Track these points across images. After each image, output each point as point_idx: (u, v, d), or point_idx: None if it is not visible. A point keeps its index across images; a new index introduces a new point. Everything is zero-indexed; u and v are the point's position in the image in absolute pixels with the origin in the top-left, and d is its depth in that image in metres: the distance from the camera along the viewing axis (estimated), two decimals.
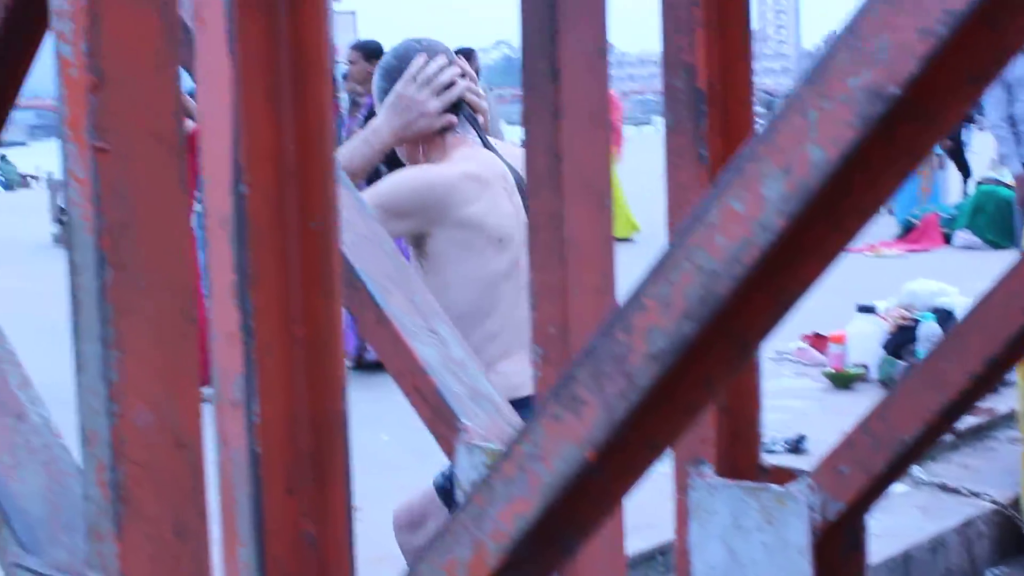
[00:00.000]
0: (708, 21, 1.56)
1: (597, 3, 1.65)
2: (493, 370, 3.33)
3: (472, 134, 3.51)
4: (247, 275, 1.19)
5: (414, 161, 3.42)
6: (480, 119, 3.53)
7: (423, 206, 3.31)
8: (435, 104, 3.33)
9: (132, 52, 1.31)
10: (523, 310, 3.20)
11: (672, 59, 1.57)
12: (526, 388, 3.04)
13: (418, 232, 3.35)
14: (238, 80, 1.18)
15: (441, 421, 1.83)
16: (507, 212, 3.41)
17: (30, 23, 2.42)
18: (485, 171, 3.40)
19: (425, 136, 3.39)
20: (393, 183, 3.34)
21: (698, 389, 0.98)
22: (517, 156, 3.52)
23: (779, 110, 0.87)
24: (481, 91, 3.55)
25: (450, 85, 3.37)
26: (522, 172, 3.20)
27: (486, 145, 3.52)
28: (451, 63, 3.40)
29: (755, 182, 0.87)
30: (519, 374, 3.28)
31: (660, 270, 0.92)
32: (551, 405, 0.99)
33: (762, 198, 0.86)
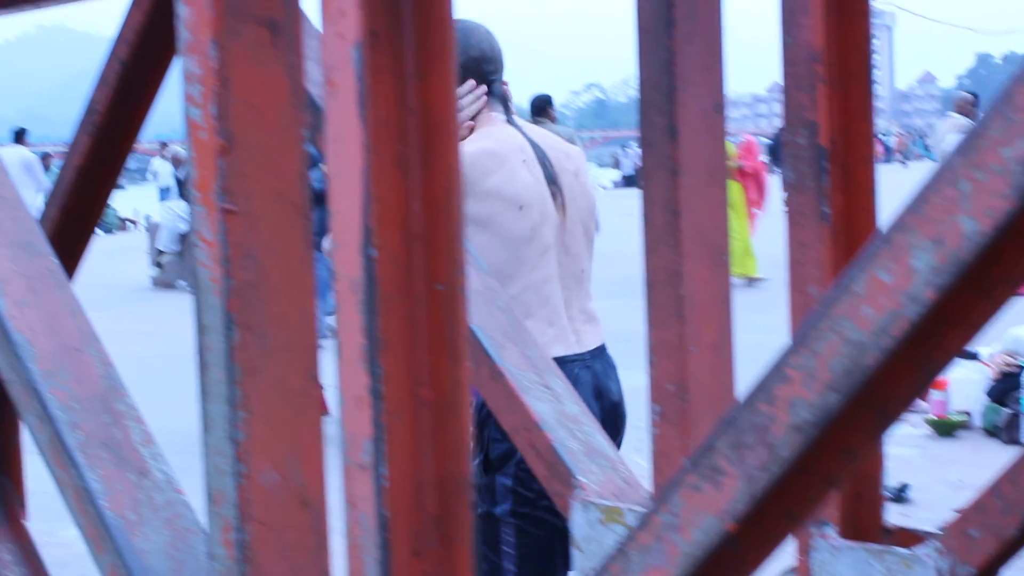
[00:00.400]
0: (830, 77, 1.55)
1: (714, 60, 1.64)
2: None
3: (498, 112, 3.63)
4: (376, 339, 1.19)
5: None
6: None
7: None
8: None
9: (260, 114, 1.32)
10: (542, 272, 3.48)
11: (793, 116, 1.56)
12: (548, 350, 3.18)
13: None
14: (368, 145, 1.18)
15: (556, 478, 1.82)
16: (526, 181, 3.50)
17: (152, 68, 2.47)
18: (501, 146, 3.49)
19: None
20: None
21: (838, 459, 0.97)
22: (545, 136, 3.70)
23: (928, 180, 0.86)
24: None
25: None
26: (548, 151, 3.53)
27: (511, 123, 3.64)
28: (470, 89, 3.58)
29: (904, 253, 0.85)
30: (540, 334, 3.39)
31: (804, 341, 0.91)
32: (690, 475, 0.98)
33: (911, 269, 0.85)
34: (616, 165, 46.60)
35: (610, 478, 1.84)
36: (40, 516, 3.01)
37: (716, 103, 1.64)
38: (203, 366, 1.33)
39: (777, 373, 0.92)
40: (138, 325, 13.26)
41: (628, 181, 43.16)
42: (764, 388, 0.93)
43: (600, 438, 1.88)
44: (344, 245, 1.20)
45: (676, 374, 1.64)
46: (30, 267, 1.68)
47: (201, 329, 1.32)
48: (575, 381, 3.41)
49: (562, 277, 3.58)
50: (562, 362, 3.41)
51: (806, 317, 0.91)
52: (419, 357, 1.23)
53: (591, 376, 3.54)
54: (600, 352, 3.61)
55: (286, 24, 1.35)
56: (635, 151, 46.09)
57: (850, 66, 1.57)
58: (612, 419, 3.55)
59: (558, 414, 1.86)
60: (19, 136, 20.65)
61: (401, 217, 1.21)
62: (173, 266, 18.37)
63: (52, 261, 1.71)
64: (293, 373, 1.35)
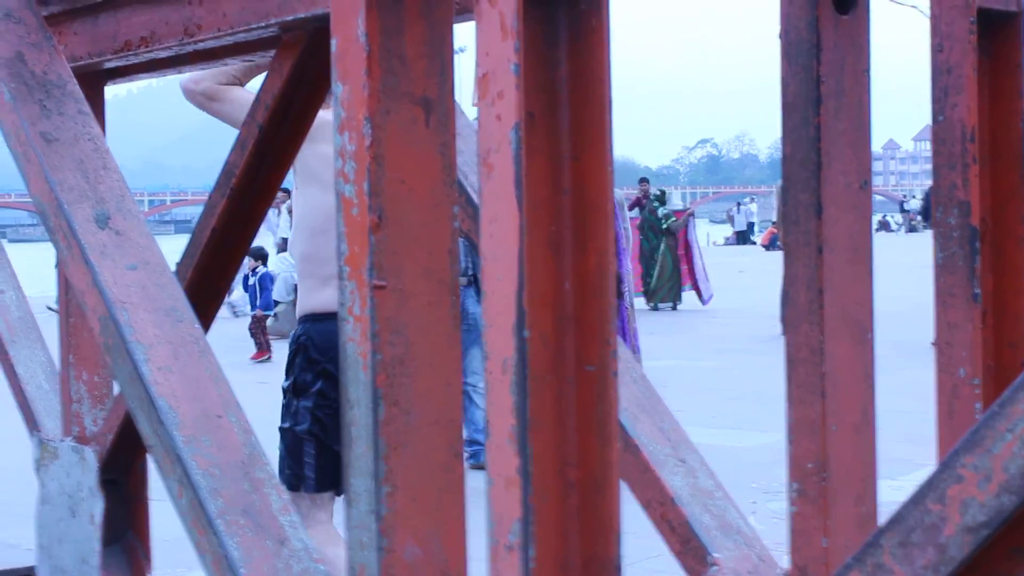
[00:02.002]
0: (982, 157, 1.52)
1: (861, 136, 1.63)
2: (333, 283, 3.74)
3: None
4: (527, 420, 1.19)
5: None
6: None
7: None
8: None
9: (411, 191, 1.33)
10: None
11: (945, 196, 1.53)
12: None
13: None
14: (524, 226, 1.18)
15: (690, 554, 1.80)
16: None
17: (289, 132, 2.50)
18: None
19: None
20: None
21: (1009, 560, 0.94)
22: None
23: None
24: None
25: None
26: None
27: None
28: None
29: None
30: None
31: (977, 440, 0.89)
32: (853, 571, 0.96)
33: None
34: (729, 221, 46.38)
35: (745, 555, 1.81)
36: (164, 563, 3.04)
37: (863, 180, 1.63)
38: (349, 440, 1.33)
39: (948, 471, 0.90)
40: (252, 375, 13.43)
41: (740, 237, 42.91)
42: (935, 486, 0.91)
43: (734, 512, 1.86)
44: (497, 325, 1.20)
45: (817, 452, 1.62)
46: (174, 333, 1.70)
47: (348, 403, 1.33)
48: None
49: None
50: None
51: (982, 417, 0.89)
52: (568, 438, 1.22)
53: None
54: None
55: (439, 103, 1.36)
56: (748, 208, 45.84)
57: (1002, 145, 1.55)
58: None
59: (692, 488, 1.84)
60: None
61: (553, 298, 1.21)
62: (287, 316, 18.56)
63: (195, 327, 1.73)
64: (437, 448, 1.35)
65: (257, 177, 2.54)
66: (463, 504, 1.36)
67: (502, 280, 1.20)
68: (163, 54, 2.65)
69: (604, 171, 1.23)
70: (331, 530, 4.16)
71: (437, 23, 1.37)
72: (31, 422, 3.21)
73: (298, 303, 4.34)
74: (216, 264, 2.60)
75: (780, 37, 1.68)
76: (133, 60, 2.72)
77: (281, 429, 4.18)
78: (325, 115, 3.82)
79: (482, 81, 1.23)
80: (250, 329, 14.05)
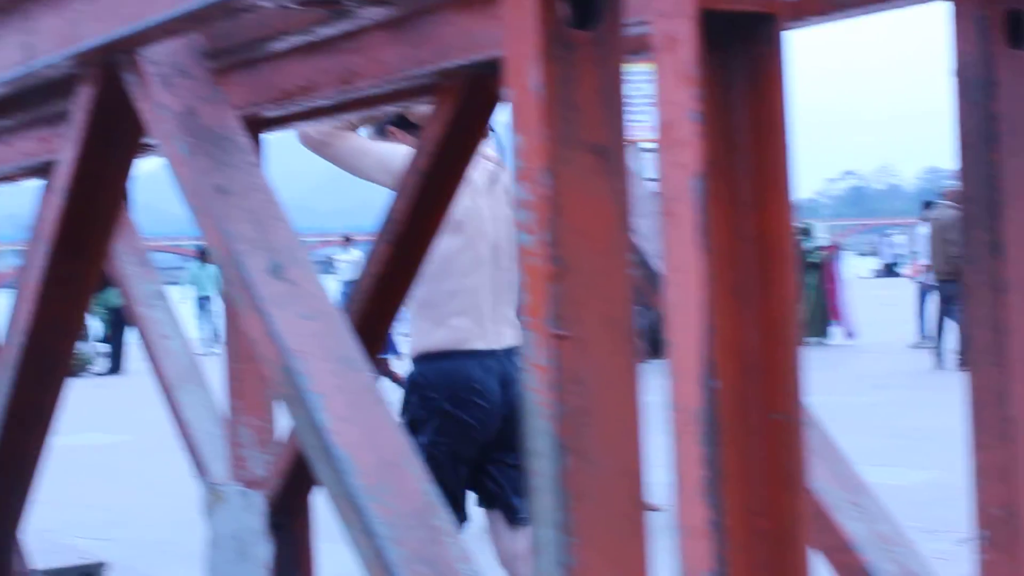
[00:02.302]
0: None
1: None
2: (446, 324, 4.32)
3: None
4: (716, 471, 1.17)
5: None
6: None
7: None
8: None
9: (590, 239, 1.33)
10: (473, 280, 4.32)
11: None
12: (469, 343, 4.29)
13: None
14: (708, 275, 1.17)
15: None
16: (467, 205, 4.17)
17: (449, 178, 2.52)
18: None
19: None
20: (402, 152, 3.99)
21: None
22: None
23: None
24: None
25: None
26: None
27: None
28: None
29: None
30: (465, 330, 4.33)
31: None
32: None
33: None
34: (875, 254, 45.65)
35: None
36: None
37: None
38: (533, 491, 1.33)
39: None
40: None
41: (887, 270, 42.24)
42: None
43: (916, 558, 1.82)
44: (682, 376, 1.19)
45: (1005, 498, 1.58)
46: (350, 382, 1.72)
47: (531, 454, 1.33)
48: (485, 370, 4.29)
49: (492, 286, 4.36)
50: (476, 355, 4.29)
51: None
52: (756, 488, 1.21)
53: (499, 368, 4.32)
54: (512, 351, 4.34)
55: (613, 150, 1.36)
56: (894, 240, 45.10)
57: None
58: (512, 408, 4.23)
59: (871, 534, 1.81)
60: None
61: (739, 347, 1.20)
62: None
63: (370, 376, 1.75)
64: (621, 498, 1.34)
65: (418, 223, 2.57)
66: (647, 554, 1.35)
67: (687, 330, 1.19)
68: (321, 103, 2.70)
69: (785, 217, 1.22)
70: None
71: (609, 70, 1.37)
72: (199, 466, 3.27)
73: (412, 344, 4.46)
74: (379, 309, 2.63)
75: (953, 75, 1.65)
76: (292, 109, 2.77)
77: None
78: None
79: (661, 129, 1.22)
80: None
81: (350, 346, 1.77)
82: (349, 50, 2.50)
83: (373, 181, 4.24)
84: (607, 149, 1.35)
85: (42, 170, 3.80)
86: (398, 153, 4.10)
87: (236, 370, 3.04)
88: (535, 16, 1.32)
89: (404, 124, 4.29)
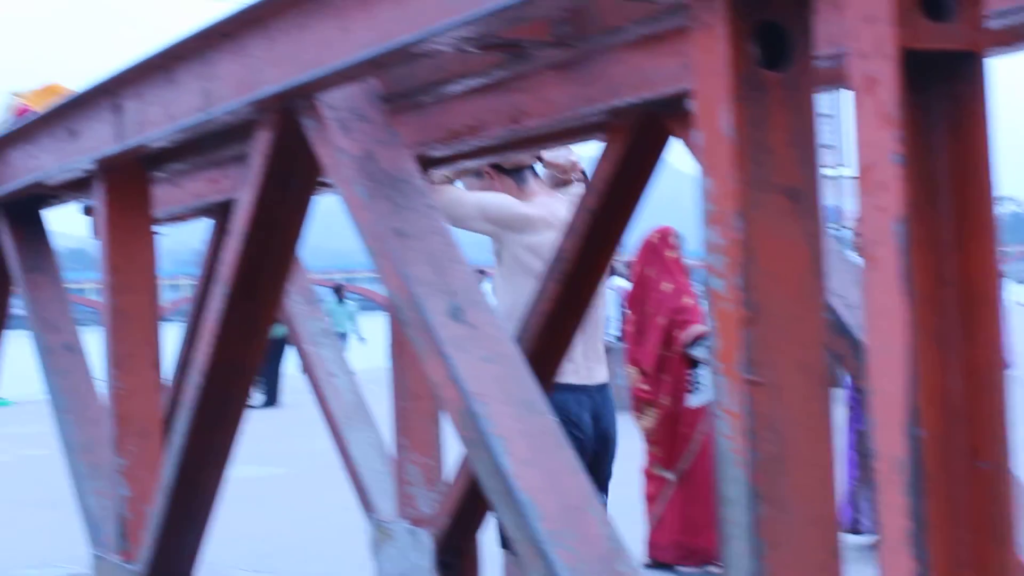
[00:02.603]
0: None
1: None
2: None
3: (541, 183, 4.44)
4: (922, 521, 1.14)
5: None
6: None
7: (509, 223, 4.33)
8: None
9: (782, 284, 1.31)
10: None
11: None
12: (564, 377, 3.98)
13: (495, 238, 4.41)
14: (911, 320, 1.15)
15: None
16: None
17: (619, 217, 2.51)
18: (551, 216, 4.23)
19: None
20: (499, 198, 4.32)
21: None
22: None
23: None
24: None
25: None
26: None
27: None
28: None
29: None
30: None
31: None
32: None
33: None
34: None
35: None
36: None
37: None
38: (727, 538, 1.31)
39: None
40: None
41: None
42: None
43: None
44: (886, 424, 1.16)
45: None
46: (531, 425, 1.71)
47: (723, 501, 1.31)
48: (580, 404, 4.31)
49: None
50: (571, 388, 4.24)
51: None
52: (963, 540, 1.17)
53: (592, 403, 4.37)
54: (603, 387, 4.45)
55: (806, 192, 1.34)
56: None
57: None
58: (603, 442, 4.40)
59: None
60: None
61: (943, 394, 1.17)
62: None
63: (551, 419, 1.74)
64: (815, 547, 1.31)
65: (587, 261, 2.56)
66: None
67: (890, 376, 1.16)
68: (489, 141, 2.71)
69: (989, 259, 1.19)
70: None
71: (801, 111, 1.35)
72: (366, 503, 3.29)
73: None
74: (547, 348, 2.63)
75: None
76: (459, 148, 2.79)
77: None
78: (529, 208, 4.30)
79: (862, 172, 1.20)
80: None
81: (531, 389, 1.76)
82: (518, 89, 2.51)
83: (471, 229, 4.37)
84: (800, 191, 1.33)
85: (209, 210, 3.88)
86: (494, 200, 4.31)
87: (403, 408, 3.06)
88: (726, 58, 1.31)
89: (500, 169, 4.34)
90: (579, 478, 1.68)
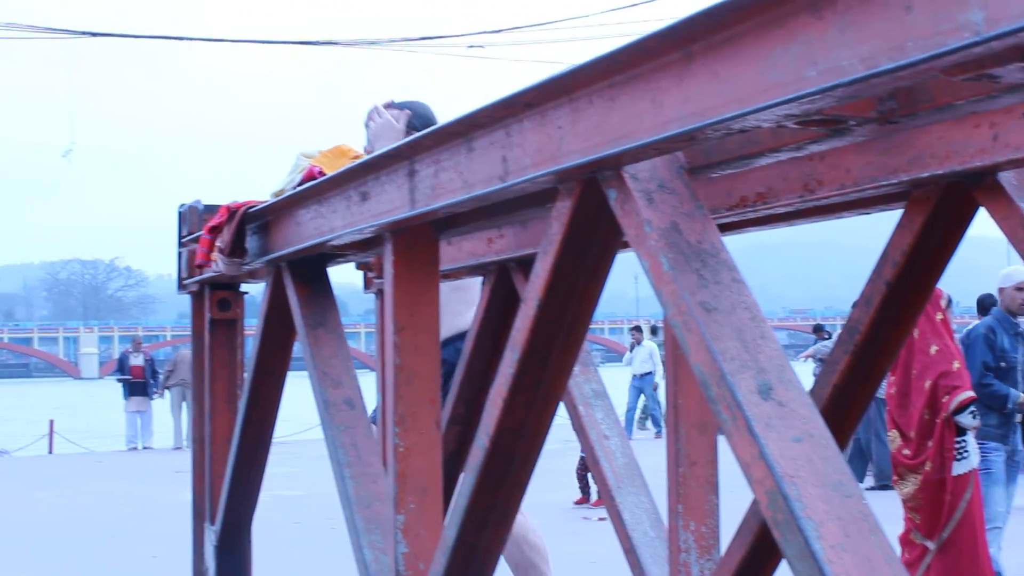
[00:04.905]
0: None
1: None
2: None
3: None
4: None
5: None
6: None
7: None
8: None
9: None
10: None
11: None
12: None
13: None
14: None
15: None
16: None
17: (918, 289, 2.44)
18: None
19: None
20: None
21: None
22: None
23: None
24: None
25: None
26: None
27: None
28: None
29: None
30: None
31: None
32: None
33: None
34: None
35: None
36: None
37: None
38: None
39: None
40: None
41: None
42: None
43: None
44: None
45: None
46: (843, 509, 1.66)
47: None
48: None
49: None
50: None
51: None
52: None
53: None
54: None
55: None
56: None
57: None
58: None
59: None
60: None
61: None
62: None
63: (863, 503, 1.69)
64: None
65: (881, 332, 2.50)
66: None
67: None
68: (779, 210, 2.68)
69: None
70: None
71: None
72: (636, 568, 3.27)
73: None
74: (838, 421, 2.57)
75: None
76: (748, 215, 2.76)
77: None
78: None
79: None
80: (577, 472, 12.97)
81: (841, 470, 1.72)
82: (813, 158, 2.47)
83: None
84: None
85: (482, 268, 3.93)
86: None
87: (679, 475, 3.03)
88: None
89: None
90: (894, 564, 1.63)
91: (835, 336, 14.40)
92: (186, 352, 22.64)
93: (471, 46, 23.48)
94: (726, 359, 1.79)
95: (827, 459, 1.72)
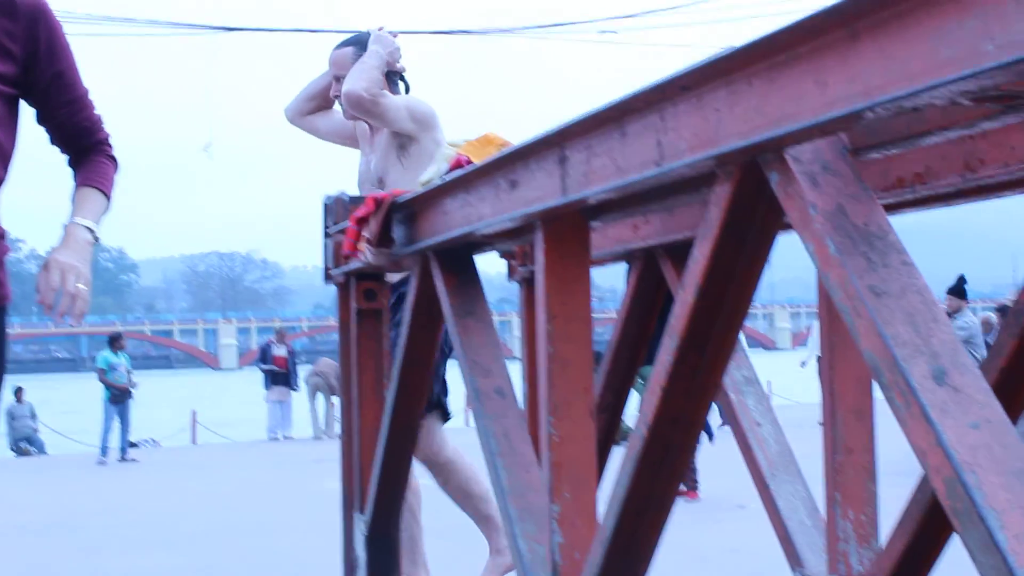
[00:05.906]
0: None
1: None
2: None
3: None
4: None
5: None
6: None
7: (427, 121, 5.50)
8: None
9: None
10: None
11: None
12: None
13: (411, 135, 5.46)
14: None
15: None
16: None
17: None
18: None
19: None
20: (419, 101, 5.55)
21: None
22: None
23: None
24: None
25: None
26: None
27: None
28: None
29: None
30: None
31: None
32: None
33: None
34: None
35: None
36: None
37: None
38: None
39: None
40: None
41: None
42: None
43: None
44: None
45: None
46: None
47: None
48: None
49: None
50: None
51: None
52: None
53: None
54: None
55: None
56: None
57: None
58: None
59: None
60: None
61: None
62: None
63: None
64: None
65: None
66: None
67: None
68: (939, 190, 2.61)
69: None
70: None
71: None
72: (792, 557, 3.22)
73: None
74: (1003, 407, 2.49)
75: None
76: (905, 197, 2.69)
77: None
78: (432, 108, 5.60)
79: None
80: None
81: (1022, 457, 1.66)
82: (974, 135, 2.40)
83: (398, 130, 5.37)
84: None
85: (627, 255, 3.90)
86: (416, 103, 5.45)
87: (836, 462, 2.98)
88: None
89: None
90: None
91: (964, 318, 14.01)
92: (330, 361, 22.89)
93: (603, 31, 23.38)
94: (898, 344, 1.74)
95: (1007, 446, 1.67)
